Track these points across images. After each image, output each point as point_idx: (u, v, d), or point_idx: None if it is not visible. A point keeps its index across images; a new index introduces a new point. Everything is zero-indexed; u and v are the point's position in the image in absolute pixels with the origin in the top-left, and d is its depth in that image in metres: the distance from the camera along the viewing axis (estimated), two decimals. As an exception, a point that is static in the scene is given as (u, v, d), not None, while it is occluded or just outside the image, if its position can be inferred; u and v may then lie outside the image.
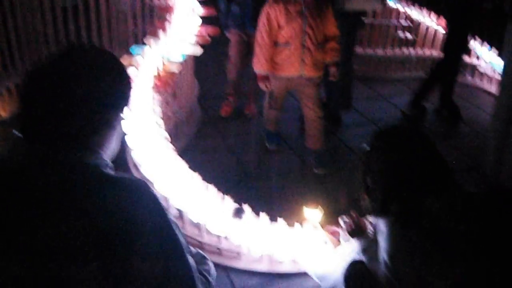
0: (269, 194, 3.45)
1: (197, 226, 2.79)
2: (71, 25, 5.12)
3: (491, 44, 5.33)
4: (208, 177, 2.91)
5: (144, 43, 3.56)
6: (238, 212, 2.70)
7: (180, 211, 2.79)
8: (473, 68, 5.61)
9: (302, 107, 3.69)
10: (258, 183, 3.57)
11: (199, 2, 4.16)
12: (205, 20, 4.06)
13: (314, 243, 2.70)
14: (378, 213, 2.12)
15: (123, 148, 3.05)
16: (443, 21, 5.28)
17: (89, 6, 5.13)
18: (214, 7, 4.16)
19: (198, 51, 3.73)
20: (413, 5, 5.89)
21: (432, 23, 5.65)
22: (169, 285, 1.42)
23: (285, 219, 2.78)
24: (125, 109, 1.56)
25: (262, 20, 3.35)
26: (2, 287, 1.34)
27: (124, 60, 3.37)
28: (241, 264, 2.77)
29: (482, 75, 5.54)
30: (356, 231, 2.43)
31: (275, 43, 3.40)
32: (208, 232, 2.78)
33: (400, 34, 5.79)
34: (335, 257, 2.59)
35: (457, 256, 2.02)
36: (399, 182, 2.03)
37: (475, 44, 5.47)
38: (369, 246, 2.27)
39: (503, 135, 3.34)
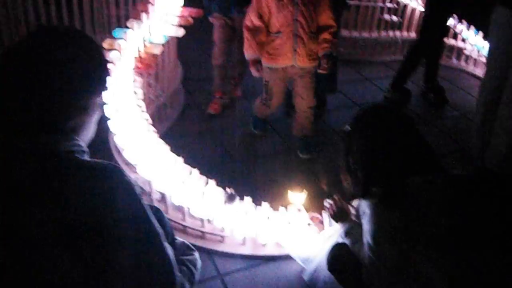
0: (254, 177, 3.43)
1: (180, 209, 2.77)
2: (52, 9, 5.03)
3: (477, 27, 5.32)
4: (191, 161, 2.88)
5: (127, 26, 3.50)
6: (230, 198, 2.68)
7: (163, 195, 2.76)
8: (459, 51, 5.60)
9: (295, 96, 3.61)
10: (243, 167, 3.55)
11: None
12: (188, 1, 4.01)
13: (298, 226, 2.69)
14: (360, 194, 2.11)
15: (105, 132, 3.01)
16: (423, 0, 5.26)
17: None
18: None
19: (180, 32, 3.68)
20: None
21: (418, 5, 5.62)
22: (146, 272, 1.40)
23: (269, 202, 2.76)
24: (102, 93, 1.52)
25: (253, 5, 3.27)
26: None
27: (107, 44, 3.32)
28: (225, 248, 2.75)
29: (468, 58, 5.54)
30: (340, 215, 2.41)
31: (267, 33, 3.32)
32: (191, 216, 2.76)
33: (386, 16, 5.76)
34: (319, 240, 2.59)
35: (441, 236, 2.02)
36: (380, 162, 2.02)
37: (461, 27, 5.45)
38: (352, 229, 2.27)
39: (488, 118, 3.33)
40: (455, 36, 5.57)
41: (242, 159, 3.64)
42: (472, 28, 5.39)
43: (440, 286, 1.94)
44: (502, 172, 3.18)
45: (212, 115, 4.11)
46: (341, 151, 2.18)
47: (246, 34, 3.31)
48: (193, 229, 2.77)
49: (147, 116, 3.02)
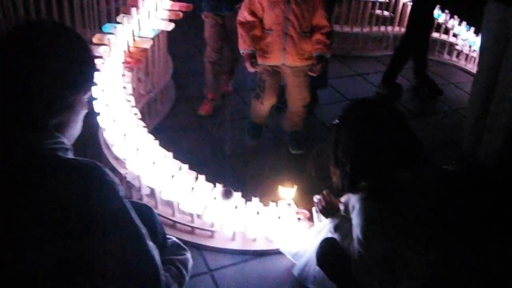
0: (244, 172, 3.42)
1: (169, 205, 2.75)
2: (42, 4, 5.00)
3: (469, 22, 5.32)
4: (181, 156, 2.87)
5: (117, 22, 3.48)
6: (227, 194, 2.66)
7: (152, 190, 2.75)
8: (451, 46, 5.60)
9: (287, 94, 3.57)
10: (233, 162, 3.53)
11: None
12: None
13: (288, 221, 2.69)
14: (348, 187, 2.11)
15: (95, 127, 2.99)
16: None
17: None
18: None
19: (170, 26, 3.65)
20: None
21: (409, 0, 5.61)
22: (128, 271, 1.37)
23: (260, 198, 2.75)
24: (89, 90, 1.50)
25: (245, 2, 3.23)
26: None
27: (96, 38, 3.30)
28: (215, 243, 2.74)
29: (459, 53, 5.54)
30: (328, 210, 2.41)
31: (262, 28, 3.27)
32: (181, 211, 2.74)
33: (378, 11, 5.75)
34: (309, 236, 2.59)
35: (430, 229, 2.02)
36: (368, 155, 2.02)
37: (453, 22, 5.46)
38: (342, 224, 2.27)
39: (480, 114, 3.33)
40: (446, 31, 5.57)
41: (232, 154, 3.62)
42: (464, 23, 5.39)
43: (428, 279, 1.95)
44: (494, 168, 3.18)
45: (203, 116, 4.05)
46: (330, 145, 2.17)
47: (239, 29, 3.26)
48: (183, 224, 2.76)
49: (137, 111, 3.00)
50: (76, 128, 1.48)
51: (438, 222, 2.01)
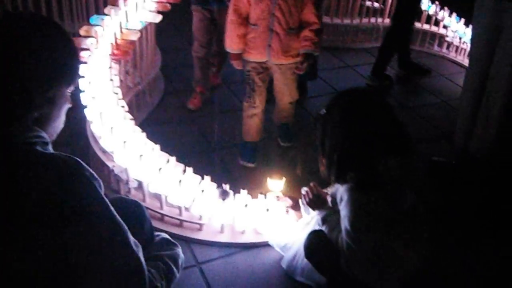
0: (233, 165, 3.41)
1: (157, 197, 2.74)
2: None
3: (459, 14, 5.32)
4: (170, 148, 2.85)
5: (104, 14, 3.45)
6: (224, 194, 2.66)
7: (140, 183, 2.73)
8: (441, 38, 5.59)
9: (275, 91, 3.48)
10: (222, 154, 3.52)
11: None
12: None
13: (276, 213, 2.68)
14: (336, 178, 2.10)
15: (82, 120, 2.97)
16: None
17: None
18: None
19: (158, 18, 3.62)
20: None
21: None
22: (109, 267, 1.35)
23: (248, 190, 2.74)
24: (72, 84, 1.46)
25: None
26: None
27: (83, 30, 3.27)
28: (203, 236, 2.73)
29: (449, 44, 5.53)
30: (316, 202, 2.40)
31: (247, 23, 3.17)
32: (169, 204, 2.73)
33: (368, 3, 5.73)
34: (297, 228, 2.58)
35: (419, 220, 2.02)
36: (355, 145, 2.01)
37: (443, 14, 5.45)
38: (329, 216, 2.26)
39: (473, 106, 3.32)
40: (436, 22, 5.56)
41: (221, 147, 3.60)
42: (454, 14, 5.38)
43: (417, 271, 1.95)
44: (485, 161, 3.18)
45: (192, 110, 4.02)
46: (318, 135, 2.16)
47: (228, 27, 3.19)
48: (171, 217, 2.74)
49: (124, 104, 2.98)
50: (58, 122, 1.45)
51: (427, 214, 2.01)
